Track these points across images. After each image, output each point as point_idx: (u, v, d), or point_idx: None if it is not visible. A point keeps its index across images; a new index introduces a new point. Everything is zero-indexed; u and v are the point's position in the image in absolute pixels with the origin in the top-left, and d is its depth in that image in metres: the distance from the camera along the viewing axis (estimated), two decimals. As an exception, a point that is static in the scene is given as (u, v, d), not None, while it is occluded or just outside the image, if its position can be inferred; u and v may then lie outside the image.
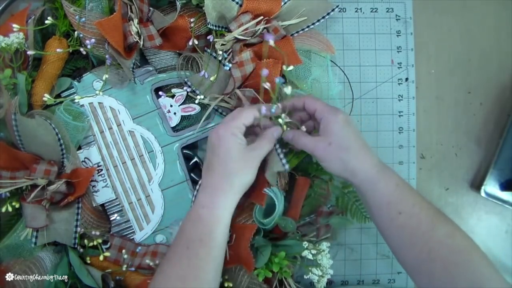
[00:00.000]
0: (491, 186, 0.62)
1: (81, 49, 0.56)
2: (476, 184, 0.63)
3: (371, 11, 0.63)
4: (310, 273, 0.54)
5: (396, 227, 0.46)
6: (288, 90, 0.48)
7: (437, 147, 0.64)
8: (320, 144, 0.48)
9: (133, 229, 0.58)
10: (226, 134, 0.48)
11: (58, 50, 0.54)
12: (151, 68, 0.59)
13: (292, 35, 0.57)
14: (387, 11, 0.63)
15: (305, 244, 0.54)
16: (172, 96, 0.58)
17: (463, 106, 0.64)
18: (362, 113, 0.62)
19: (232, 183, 0.48)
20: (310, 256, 0.54)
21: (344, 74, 0.61)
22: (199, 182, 0.53)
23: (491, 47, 0.64)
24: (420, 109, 0.63)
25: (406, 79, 0.63)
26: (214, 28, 0.55)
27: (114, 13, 0.53)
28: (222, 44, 0.56)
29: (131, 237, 0.58)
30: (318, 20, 0.57)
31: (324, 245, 0.54)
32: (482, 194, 0.62)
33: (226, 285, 0.54)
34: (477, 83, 0.64)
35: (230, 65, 0.54)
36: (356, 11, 0.63)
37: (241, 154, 0.48)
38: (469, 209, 0.64)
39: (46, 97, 0.54)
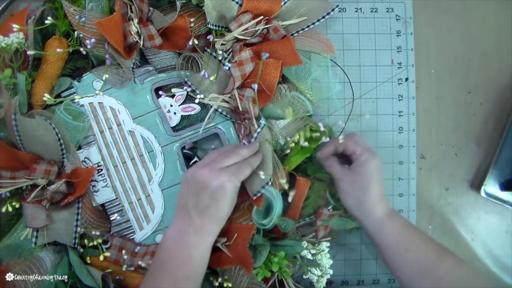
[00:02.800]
0: (491, 186, 0.62)
1: (81, 49, 0.56)
2: (476, 184, 0.63)
3: (371, 11, 0.63)
4: (309, 273, 0.54)
5: (405, 263, 0.50)
6: (288, 94, 0.50)
7: (437, 147, 0.64)
8: (347, 178, 0.53)
9: (133, 229, 0.58)
10: (231, 187, 0.49)
11: (58, 50, 0.54)
12: (151, 68, 0.58)
13: (292, 34, 0.57)
14: (387, 11, 0.63)
15: (305, 244, 0.54)
16: (172, 96, 0.58)
17: (463, 106, 0.64)
18: (362, 113, 0.62)
19: (222, 224, 0.51)
20: (309, 256, 0.54)
21: (345, 73, 0.61)
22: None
23: (491, 47, 0.64)
24: (420, 109, 0.63)
25: (406, 79, 0.63)
26: (214, 28, 0.55)
27: (114, 13, 0.53)
28: (222, 44, 0.56)
29: (131, 237, 0.58)
30: (318, 20, 0.57)
31: (324, 245, 0.55)
32: (482, 194, 0.62)
33: (225, 285, 0.54)
34: (477, 83, 0.64)
35: (230, 64, 0.54)
36: (356, 11, 0.63)
37: (235, 198, 0.50)
38: (469, 209, 0.64)
39: (46, 97, 0.54)
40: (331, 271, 0.54)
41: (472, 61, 0.64)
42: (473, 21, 0.64)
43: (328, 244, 0.55)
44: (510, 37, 0.64)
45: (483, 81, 0.64)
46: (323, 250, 0.54)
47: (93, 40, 0.54)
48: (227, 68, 0.54)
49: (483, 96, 0.64)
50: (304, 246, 0.54)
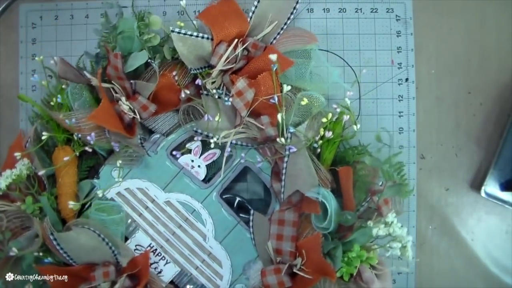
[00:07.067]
0: (491, 186, 0.61)
1: (86, 148, 0.56)
2: (476, 184, 0.63)
3: (371, 11, 0.63)
4: (390, 249, 0.52)
5: None
6: (303, 101, 0.51)
7: (437, 147, 0.64)
8: None
9: (210, 291, 0.58)
10: None
11: (65, 158, 0.55)
12: (158, 135, 0.58)
13: (271, 43, 0.57)
14: (387, 12, 0.63)
15: (370, 223, 0.52)
16: (189, 151, 0.58)
17: (463, 106, 0.64)
18: (362, 113, 0.62)
19: None
20: (381, 232, 0.51)
21: (344, 60, 0.61)
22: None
23: (491, 47, 0.64)
24: (420, 109, 0.63)
25: (406, 79, 0.63)
26: (197, 71, 0.55)
27: (102, 101, 0.53)
28: (212, 82, 0.55)
29: (213, 299, 0.58)
30: (289, 18, 0.56)
31: (391, 217, 0.52)
32: (482, 194, 0.62)
33: None
34: (477, 83, 0.64)
35: (230, 99, 0.53)
36: (356, 11, 0.63)
37: None
38: (469, 209, 0.64)
39: (71, 204, 0.54)
40: (410, 237, 0.52)
41: (472, 61, 0.64)
42: (473, 21, 0.64)
43: (394, 214, 0.52)
44: (510, 37, 0.64)
45: (483, 81, 0.64)
46: (392, 222, 0.52)
47: (93, 134, 0.54)
48: (228, 103, 0.54)
49: (483, 96, 0.64)
50: (373, 228, 0.51)
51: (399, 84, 0.63)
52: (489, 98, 0.64)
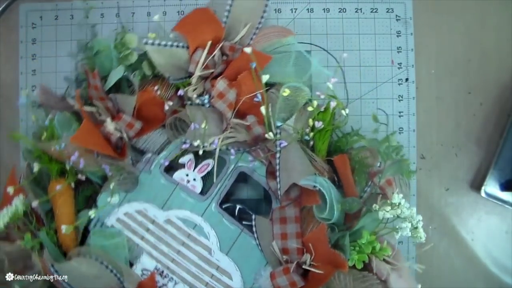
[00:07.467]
0: (491, 187, 0.61)
1: (79, 177, 0.55)
2: (476, 185, 0.63)
3: (371, 11, 0.63)
4: (399, 231, 0.50)
5: None
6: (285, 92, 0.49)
7: (437, 147, 0.64)
8: None
9: (223, 305, 0.56)
10: None
11: (57, 187, 0.54)
12: (149, 155, 0.58)
13: (249, 44, 0.57)
14: (387, 12, 0.63)
15: (375, 206, 0.50)
16: (183, 166, 0.57)
17: (463, 106, 0.64)
18: (362, 113, 0.62)
19: None
20: (388, 215, 0.49)
21: (327, 52, 0.61)
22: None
23: (491, 47, 0.64)
24: (420, 109, 0.63)
25: (406, 79, 0.63)
26: (178, 81, 0.55)
27: (83, 122, 0.52)
28: (194, 90, 0.55)
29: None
30: (262, 17, 0.57)
31: (397, 198, 0.50)
32: (482, 194, 0.62)
33: None
34: (477, 83, 0.64)
35: (211, 101, 0.53)
36: (356, 11, 0.63)
37: None
38: (469, 210, 0.64)
39: (63, 228, 0.53)
40: (420, 217, 0.50)
41: (472, 61, 0.64)
42: (473, 21, 0.64)
43: (401, 195, 0.50)
44: (510, 37, 0.64)
45: (483, 81, 0.64)
46: (399, 203, 0.50)
47: (81, 160, 0.53)
48: (209, 105, 0.54)
49: (483, 96, 0.64)
50: (379, 211, 0.50)
51: (399, 84, 0.63)
52: (489, 98, 0.64)
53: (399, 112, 0.63)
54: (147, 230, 0.57)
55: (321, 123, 0.54)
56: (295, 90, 0.54)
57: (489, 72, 0.64)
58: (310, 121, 0.55)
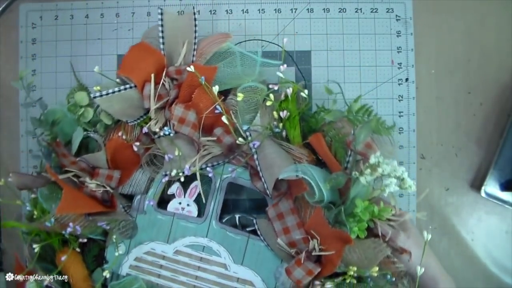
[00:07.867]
0: (491, 186, 0.61)
1: (80, 240, 0.57)
2: (476, 184, 0.63)
3: (371, 11, 0.63)
4: (385, 189, 0.48)
5: None
6: (239, 97, 0.52)
7: (437, 147, 0.64)
8: None
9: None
10: None
11: (62, 258, 0.55)
12: (139, 196, 0.58)
13: (192, 61, 0.57)
14: (387, 12, 0.63)
15: (355, 174, 0.49)
16: (174, 196, 0.58)
17: (463, 106, 0.64)
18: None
19: None
20: (369, 178, 0.48)
21: (291, 57, 0.61)
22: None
23: (491, 47, 0.64)
24: (420, 109, 0.63)
25: (406, 79, 0.63)
26: (137, 121, 0.56)
27: (63, 190, 0.53)
28: (156, 123, 0.56)
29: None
30: (195, 31, 0.57)
31: (373, 158, 0.49)
32: (482, 194, 0.62)
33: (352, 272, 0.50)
34: (477, 83, 0.64)
35: (174, 130, 0.54)
36: (356, 11, 0.63)
37: None
38: (469, 209, 0.64)
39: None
40: (403, 168, 0.49)
41: (472, 61, 0.64)
42: (473, 21, 0.64)
43: (378, 153, 0.50)
44: (510, 37, 0.64)
45: (483, 81, 0.64)
46: (378, 162, 0.49)
47: (77, 226, 0.54)
48: (173, 134, 0.55)
49: (483, 96, 0.64)
50: (361, 177, 0.49)
51: (399, 84, 0.63)
52: (489, 98, 0.64)
53: (399, 112, 0.63)
54: (161, 267, 0.57)
55: (285, 112, 0.55)
56: (251, 90, 0.55)
57: (489, 72, 0.64)
58: (275, 114, 0.55)
